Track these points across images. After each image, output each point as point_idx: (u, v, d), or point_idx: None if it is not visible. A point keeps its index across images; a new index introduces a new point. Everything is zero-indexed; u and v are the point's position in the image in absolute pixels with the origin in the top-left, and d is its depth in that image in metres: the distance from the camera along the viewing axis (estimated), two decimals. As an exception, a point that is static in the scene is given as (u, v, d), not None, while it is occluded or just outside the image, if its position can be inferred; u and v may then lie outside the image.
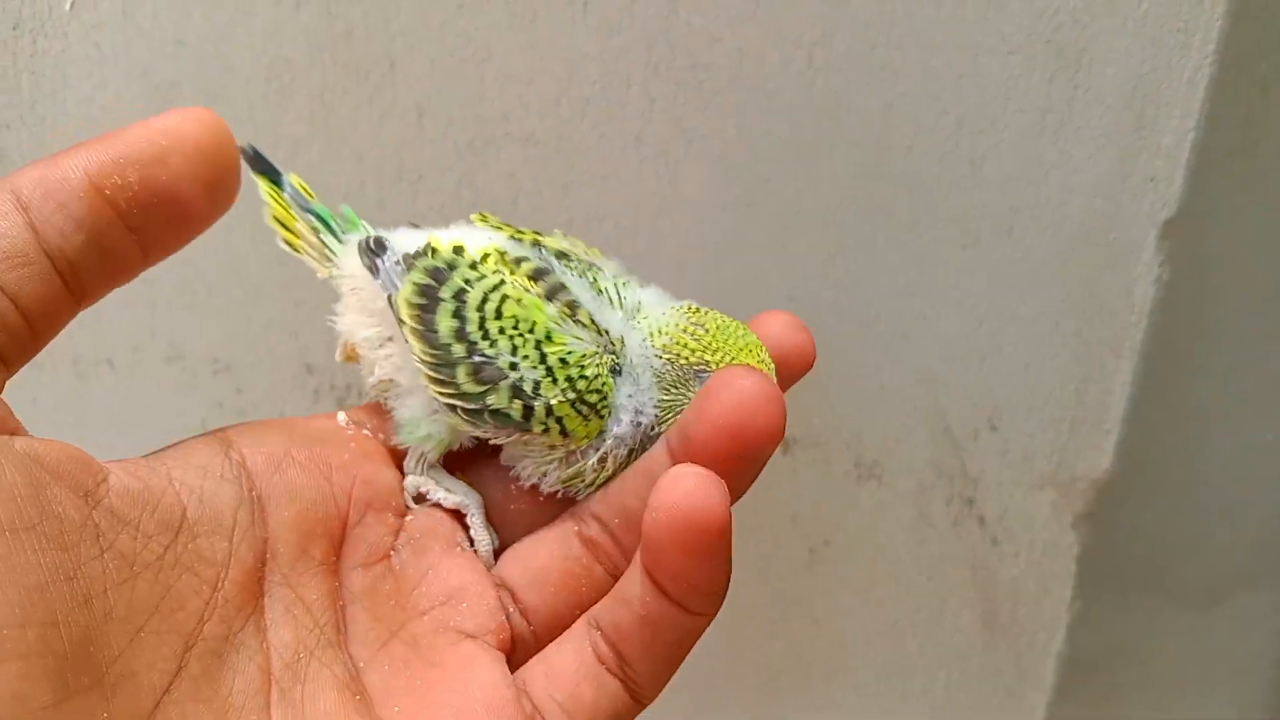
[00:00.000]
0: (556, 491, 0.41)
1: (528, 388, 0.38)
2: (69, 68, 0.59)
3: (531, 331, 0.38)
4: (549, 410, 0.38)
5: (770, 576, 0.69)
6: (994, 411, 0.64)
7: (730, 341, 0.39)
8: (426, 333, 0.39)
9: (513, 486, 0.42)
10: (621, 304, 0.41)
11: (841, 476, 0.66)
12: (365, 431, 0.42)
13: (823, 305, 0.62)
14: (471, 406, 0.38)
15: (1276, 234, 0.63)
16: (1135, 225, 0.60)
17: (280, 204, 0.43)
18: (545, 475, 0.40)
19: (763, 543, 0.68)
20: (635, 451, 0.40)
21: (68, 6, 0.57)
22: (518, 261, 0.41)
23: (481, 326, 0.38)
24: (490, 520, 0.42)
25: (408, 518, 0.41)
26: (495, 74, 0.58)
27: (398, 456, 0.42)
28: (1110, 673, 0.73)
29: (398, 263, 0.41)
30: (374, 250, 0.41)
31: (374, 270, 0.41)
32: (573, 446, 0.39)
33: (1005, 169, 0.59)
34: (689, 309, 0.41)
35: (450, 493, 0.41)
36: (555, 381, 0.38)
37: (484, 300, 0.39)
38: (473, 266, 0.40)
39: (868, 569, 0.68)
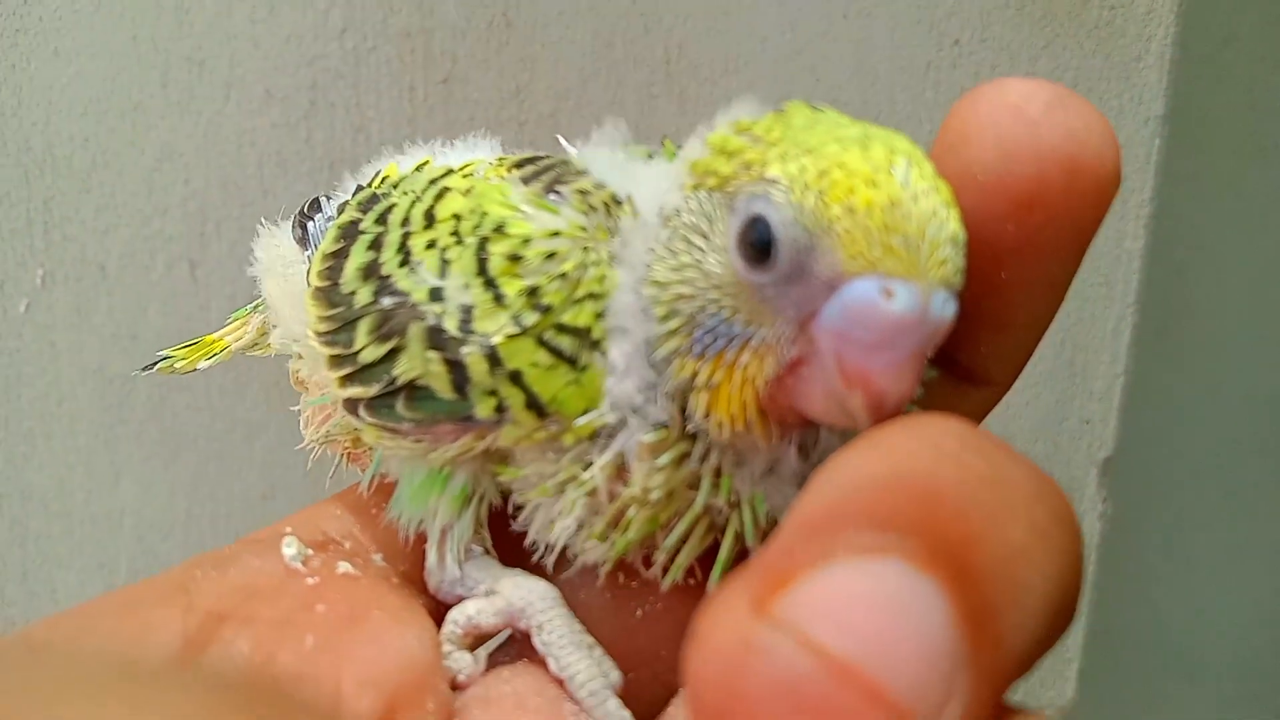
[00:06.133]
0: (601, 564, 0.23)
1: (451, 324, 0.22)
2: (24, 367, 0.59)
3: (477, 229, 0.23)
4: (494, 359, 0.22)
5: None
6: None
7: (816, 132, 0.21)
8: (329, 290, 0.25)
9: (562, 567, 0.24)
10: (652, 158, 0.25)
11: None
12: (344, 565, 0.24)
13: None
14: (374, 392, 0.23)
15: (1212, 467, 0.65)
16: (1076, 464, 0.62)
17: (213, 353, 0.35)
18: (553, 524, 0.23)
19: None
20: (676, 428, 0.22)
21: (22, 309, 0.58)
22: (513, 165, 0.26)
23: (402, 248, 0.24)
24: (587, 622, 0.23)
25: (466, 692, 0.23)
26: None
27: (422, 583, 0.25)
28: None
29: (330, 218, 0.28)
30: (306, 214, 0.29)
31: (304, 241, 0.29)
32: (569, 441, 0.22)
33: (947, 418, 0.61)
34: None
35: (496, 597, 0.23)
36: (501, 301, 0.22)
37: (412, 206, 0.25)
38: (426, 176, 0.26)
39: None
